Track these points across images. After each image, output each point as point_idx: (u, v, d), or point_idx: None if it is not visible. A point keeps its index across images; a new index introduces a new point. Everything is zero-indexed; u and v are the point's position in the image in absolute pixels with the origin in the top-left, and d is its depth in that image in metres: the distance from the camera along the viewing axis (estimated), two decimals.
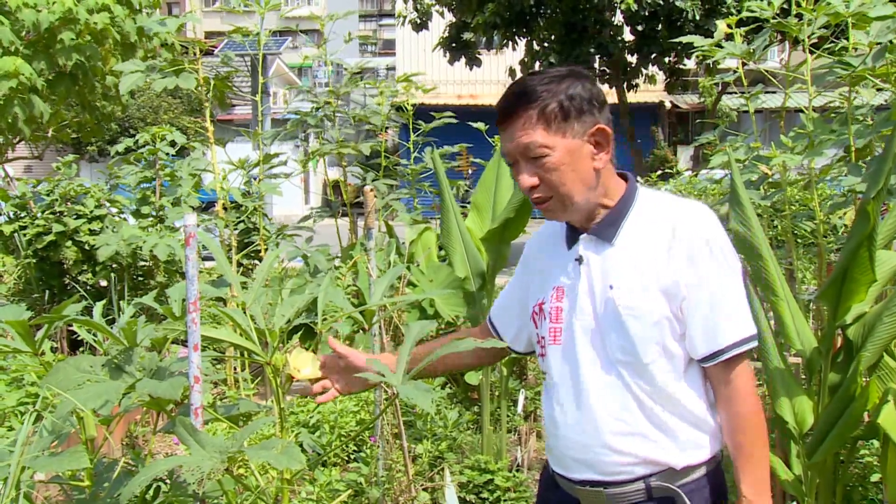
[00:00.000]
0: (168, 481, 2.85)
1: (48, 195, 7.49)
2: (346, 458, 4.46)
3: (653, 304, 2.07)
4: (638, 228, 2.15)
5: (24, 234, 7.33)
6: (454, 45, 18.73)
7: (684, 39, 4.29)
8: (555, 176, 2.08)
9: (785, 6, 3.90)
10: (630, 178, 2.23)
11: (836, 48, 3.79)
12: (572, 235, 2.24)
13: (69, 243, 7.28)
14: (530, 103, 2.07)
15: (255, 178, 6.70)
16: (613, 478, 2.13)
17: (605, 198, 2.17)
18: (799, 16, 3.83)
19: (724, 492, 2.21)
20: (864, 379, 3.08)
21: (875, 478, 3.75)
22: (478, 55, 18.95)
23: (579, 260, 2.19)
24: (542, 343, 2.29)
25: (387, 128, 7.23)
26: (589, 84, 2.12)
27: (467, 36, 18.26)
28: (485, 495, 4.51)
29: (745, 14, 3.99)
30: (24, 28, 8.74)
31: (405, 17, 19.35)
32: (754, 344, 2.12)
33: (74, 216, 7.32)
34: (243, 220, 6.94)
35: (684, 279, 2.06)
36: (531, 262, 2.45)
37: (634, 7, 15.68)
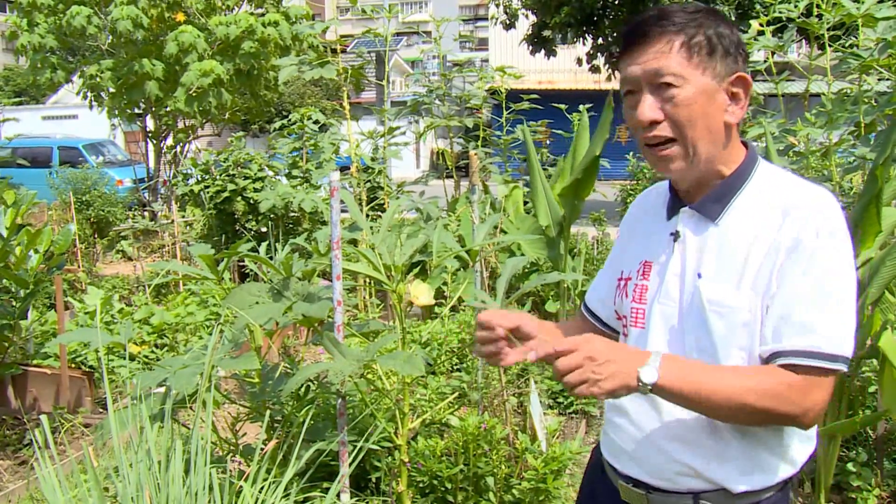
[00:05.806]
0: (316, 381, 2.93)
1: (224, 162, 7.74)
2: (450, 369, 4.49)
3: (743, 301, 1.39)
4: (748, 209, 1.44)
5: (207, 192, 7.61)
6: (536, 40, 18.45)
7: None
8: (684, 113, 1.39)
9: (804, 11, 3.86)
10: (752, 146, 1.52)
11: (847, 44, 3.73)
12: (674, 205, 1.55)
13: (239, 198, 7.50)
14: (675, 29, 1.40)
15: (380, 147, 6.78)
16: (660, 483, 1.51)
17: (722, 164, 1.47)
18: (819, 16, 3.77)
19: None
20: (869, 310, 3.02)
21: (872, 389, 3.69)
22: (554, 48, 18.66)
23: (675, 235, 1.51)
24: (623, 322, 1.62)
25: (483, 107, 7.21)
26: (734, 29, 1.44)
27: (546, 33, 17.98)
28: (560, 399, 4.63)
29: (772, 15, 3.97)
30: (216, 39, 9.10)
31: (497, 19, 19.15)
32: (839, 367, 1.34)
33: (243, 178, 7.55)
34: (370, 180, 7.03)
35: (780, 271, 1.37)
36: (631, 227, 1.70)
37: None
